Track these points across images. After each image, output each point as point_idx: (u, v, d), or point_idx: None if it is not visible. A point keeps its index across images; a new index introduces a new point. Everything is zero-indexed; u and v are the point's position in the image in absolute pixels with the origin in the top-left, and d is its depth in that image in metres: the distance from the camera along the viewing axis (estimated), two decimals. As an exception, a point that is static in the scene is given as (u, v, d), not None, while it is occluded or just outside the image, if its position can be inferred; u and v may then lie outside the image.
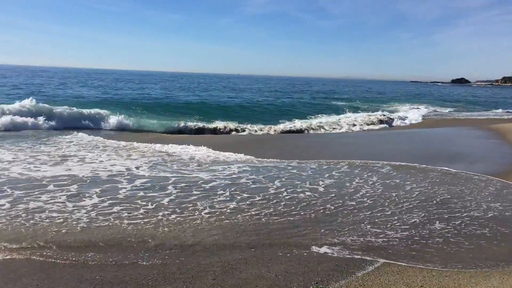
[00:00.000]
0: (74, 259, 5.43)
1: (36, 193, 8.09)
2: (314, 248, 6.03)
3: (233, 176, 10.14)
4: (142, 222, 6.85)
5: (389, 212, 7.81)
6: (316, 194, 8.77)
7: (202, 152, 13.33)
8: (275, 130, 22.61)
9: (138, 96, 36.76)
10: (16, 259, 5.37)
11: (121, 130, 19.67)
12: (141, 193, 8.40)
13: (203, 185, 9.20)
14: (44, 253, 5.56)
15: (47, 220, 6.75)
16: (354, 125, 25.94)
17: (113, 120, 20.35)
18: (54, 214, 7.03)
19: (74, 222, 6.72)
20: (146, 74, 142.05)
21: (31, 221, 6.66)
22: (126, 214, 7.19)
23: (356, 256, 5.82)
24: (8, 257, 5.41)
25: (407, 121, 29.60)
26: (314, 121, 26.29)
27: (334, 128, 24.53)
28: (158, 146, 14.10)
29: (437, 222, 7.41)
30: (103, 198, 8.00)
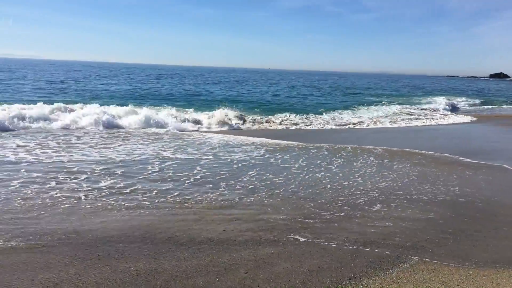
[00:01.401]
0: (107, 250, 5.55)
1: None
2: (347, 244, 5.97)
3: (262, 158, 10.21)
4: (174, 212, 6.97)
5: (411, 206, 7.67)
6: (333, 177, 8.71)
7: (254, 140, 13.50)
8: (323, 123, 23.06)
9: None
10: (55, 247, 5.54)
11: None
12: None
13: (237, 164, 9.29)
14: (81, 242, 5.72)
15: (90, 209, 6.96)
16: (385, 120, 25.51)
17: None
18: (97, 204, 7.24)
19: (115, 212, 6.90)
20: (181, 69, 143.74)
21: (75, 209, 6.89)
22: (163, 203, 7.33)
23: (388, 253, 5.73)
24: (45, 244, 5.59)
25: (442, 117, 28.85)
26: (346, 116, 26.13)
27: (363, 123, 24.17)
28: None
29: (472, 218, 7.23)
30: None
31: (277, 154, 12.23)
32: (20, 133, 14.66)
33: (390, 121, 24.85)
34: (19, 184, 8.24)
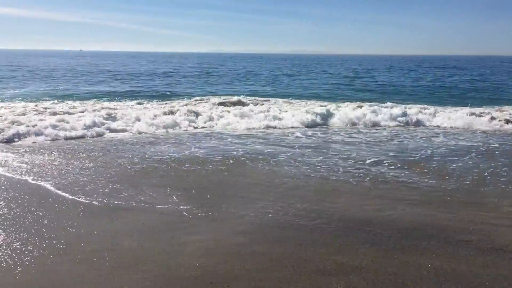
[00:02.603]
0: (401, 243, 5.52)
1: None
2: None
3: None
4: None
5: None
6: None
7: None
8: None
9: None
10: (349, 231, 5.86)
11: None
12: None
13: None
14: (374, 232, 5.87)
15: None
16: None
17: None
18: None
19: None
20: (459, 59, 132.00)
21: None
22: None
23: None
24: (340, 227, 5.96)
25: None
26: None
27: None
28: None
29: None
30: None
31: None
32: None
33: None
34: (325, 168, 9.08)
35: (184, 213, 6.50)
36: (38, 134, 11.75)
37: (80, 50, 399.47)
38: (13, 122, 13.07)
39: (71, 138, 11.84)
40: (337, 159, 9.93)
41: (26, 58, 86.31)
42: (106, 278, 4.56)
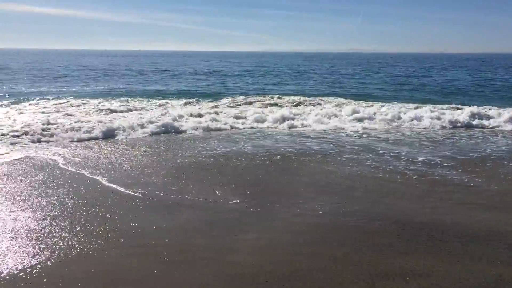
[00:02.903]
0: (458, 248, 5.26)
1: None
2: None
3: None
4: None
5: None
6: None
7: None
8: None
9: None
10: (385, 232, 5.63)
11: None
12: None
13: None
14: (431, 234, 5.63)
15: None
16: None
17: None
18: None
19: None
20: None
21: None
22: None
23: None
24: (381, 229, 5.74)
25: None
26: None
27: None
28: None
29: None
30: None
31: None
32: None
33: None
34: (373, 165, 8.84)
35: (238, 210, 6.53)
36: (94, 133, 12.04)
37: (139, 50, 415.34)
38: (75, 122, 13.64)
39: (129, 137, 12.08)
40: (390, 158, 9.69)
41: (89, 58, 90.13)
42: (159, 273, 4.63)
